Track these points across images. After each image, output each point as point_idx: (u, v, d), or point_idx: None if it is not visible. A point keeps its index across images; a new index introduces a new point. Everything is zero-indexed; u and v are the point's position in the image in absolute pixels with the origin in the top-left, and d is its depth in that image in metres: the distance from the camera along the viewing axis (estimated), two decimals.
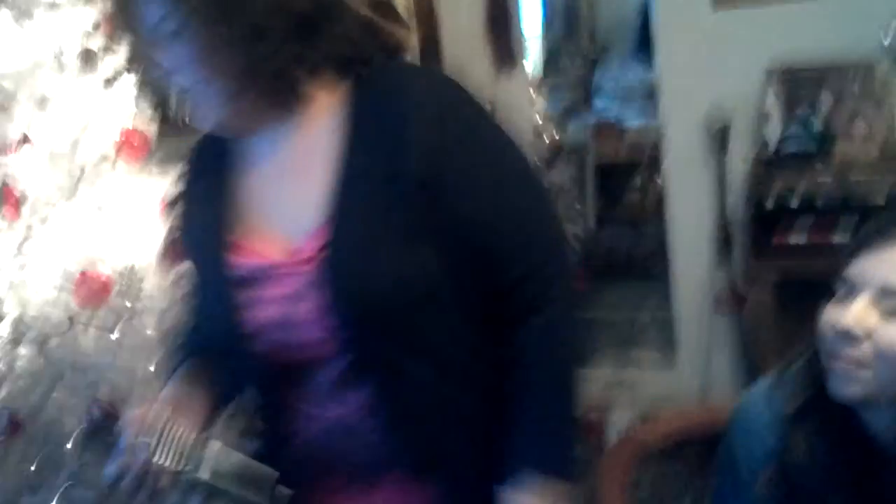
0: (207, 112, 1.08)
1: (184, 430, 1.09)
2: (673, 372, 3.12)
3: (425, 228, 1.05)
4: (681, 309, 3.09)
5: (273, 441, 1.18)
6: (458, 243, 1.07)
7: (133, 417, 1.11)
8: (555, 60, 5.08)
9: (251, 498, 1.08)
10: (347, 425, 1.11)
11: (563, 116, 4.79)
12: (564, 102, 4.87)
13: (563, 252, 1.14)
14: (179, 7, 0.99)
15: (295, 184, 1.11)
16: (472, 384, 1.12)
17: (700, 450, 1.53)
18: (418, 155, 1.03)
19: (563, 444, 1.11)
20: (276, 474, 1.10)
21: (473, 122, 1.09)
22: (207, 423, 1.17)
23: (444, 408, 1.11)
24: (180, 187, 1.24)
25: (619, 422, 2.68)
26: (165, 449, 1.06)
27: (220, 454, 1.08)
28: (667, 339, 3.23)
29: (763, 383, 1.29)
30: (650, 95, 4.03)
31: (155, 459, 1.06)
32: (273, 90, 1.06)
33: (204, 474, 1.07)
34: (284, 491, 1.10)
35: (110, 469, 1.09)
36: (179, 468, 1.07)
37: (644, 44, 4.44)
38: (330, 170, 1.08)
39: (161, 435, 1.07)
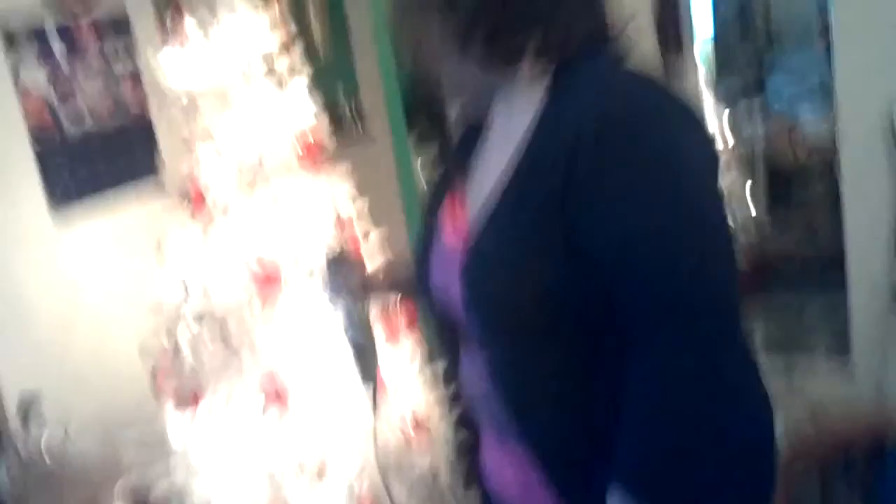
0: (452, 90, 1.23)
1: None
2: (846, 377, 2.99)
3: (555, 246, 1.05)
4: (856, 314, 2.95)
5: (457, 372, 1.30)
6: (588, 267, 1.04)
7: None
8: (726, 57, 4.93)
9: (369, 354, 1.45)
10: (480, 385, 1.19)
11: (733, 114, 4.65)
12: (736, 100, 4.73)
13: (705, 298, 1.03)
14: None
15: (485, 174, 1.20)
16: (586, 388, 1.12)
17: (870, 454, 1.47)
18: (558, 175, 1.04)
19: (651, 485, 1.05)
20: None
21: (629, 150, 1.02)
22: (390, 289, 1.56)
23: (555, 405, 1.13)
24: (455, 145, 1.34)
25: (787, 427, 2.58)
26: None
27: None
28: (840, 347, 3.09)
29: None
30: (827, 93, 3.86)
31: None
32: (496, 58, 1.14)
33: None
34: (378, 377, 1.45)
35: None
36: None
37: (823, 39, 4.25)
38: (507, 170, 1.12)
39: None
